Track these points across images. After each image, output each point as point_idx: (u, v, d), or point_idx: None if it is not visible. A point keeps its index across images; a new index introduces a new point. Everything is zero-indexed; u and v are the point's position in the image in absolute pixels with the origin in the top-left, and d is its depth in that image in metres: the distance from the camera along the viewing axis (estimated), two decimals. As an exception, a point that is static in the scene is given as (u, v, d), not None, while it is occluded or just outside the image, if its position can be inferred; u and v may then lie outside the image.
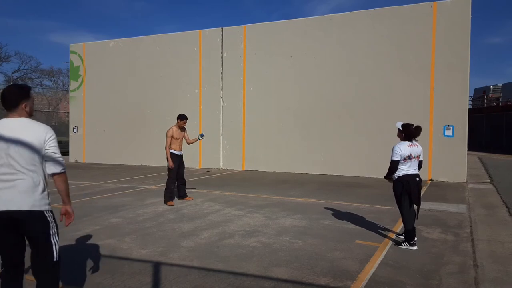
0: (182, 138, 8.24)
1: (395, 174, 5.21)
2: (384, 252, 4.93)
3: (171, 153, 8.10)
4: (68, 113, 20.00)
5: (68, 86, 21.56)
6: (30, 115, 2.83)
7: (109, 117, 17.51)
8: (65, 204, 2.87)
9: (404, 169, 5.17)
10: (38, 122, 2.81)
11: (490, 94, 30.31)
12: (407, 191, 5.16)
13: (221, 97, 15.39)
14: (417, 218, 5.31)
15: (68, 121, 21.17)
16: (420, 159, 5.30)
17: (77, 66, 18.34)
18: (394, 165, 5.16)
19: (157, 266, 4.39)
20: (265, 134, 14.60)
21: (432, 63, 12.23)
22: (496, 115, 27.43)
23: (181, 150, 8.25)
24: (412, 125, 5.30)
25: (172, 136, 8.09)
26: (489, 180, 12.00)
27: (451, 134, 11.96)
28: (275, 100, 14.40)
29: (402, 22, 12.66)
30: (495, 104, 28.77)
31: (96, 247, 5.10)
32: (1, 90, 2.86)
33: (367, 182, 11.65)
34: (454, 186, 10.97)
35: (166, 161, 8.12)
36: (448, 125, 12.01)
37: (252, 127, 14.84)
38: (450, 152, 11.92)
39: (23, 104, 2.78)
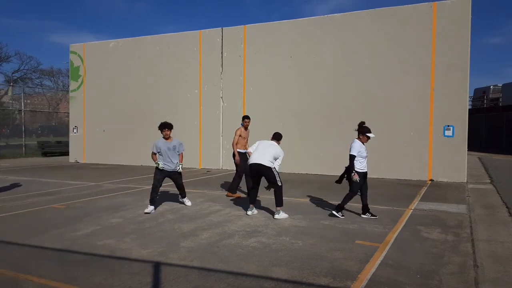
0: (247, 137, 8.94)
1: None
2: (384, 252, 4.93)
3: (237, 151, 8.74)
4: (68, 113, 20.00)
5: (68, 86, 21.55)
6: None
7: (109, 117, 17.50)
8: None
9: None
10: None
11: None
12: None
13: (221, 97, 15.38)
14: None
15: (68, 121, 21.16)
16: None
17: (77, 66, 18.34)
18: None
19: (157, 266, 4.39)
20: (265, 134, 14.54)
21: (432, 63, 12.23)
22: (496, 115, 27.40)
23: (246, 148, 8.79)
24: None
25: (240, 135, 8.79)
26: (489, 180, 11.98)
27: (451, 134, 11.95)
28: (275, 100, 14.39)
29: (402, 22, 12.65)
30: None
31: (96, 247, 5.10)
32: None
33: (367, 182, 11.62)
34: (454, 186, 10.96)
35: (233, 157, 8.68)
36: (448, 125, 12.00)
37: (252, 127, 14.80)
38: (450, 152, 11.91)
39: None
